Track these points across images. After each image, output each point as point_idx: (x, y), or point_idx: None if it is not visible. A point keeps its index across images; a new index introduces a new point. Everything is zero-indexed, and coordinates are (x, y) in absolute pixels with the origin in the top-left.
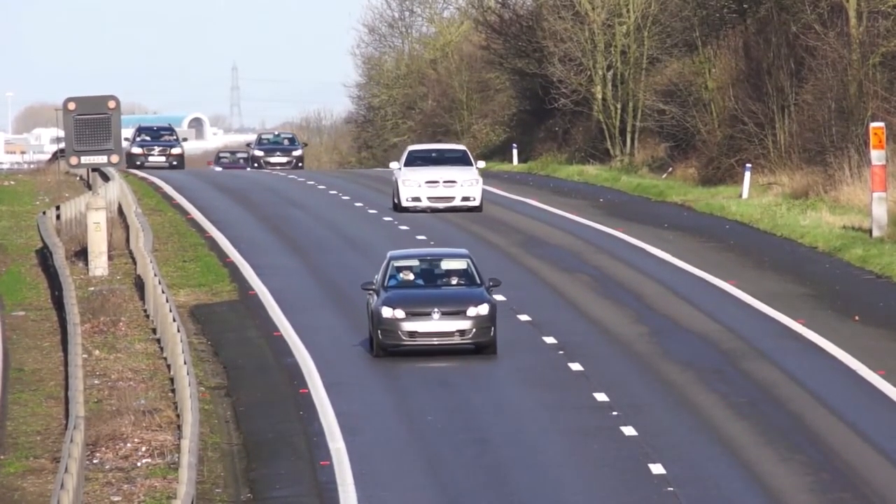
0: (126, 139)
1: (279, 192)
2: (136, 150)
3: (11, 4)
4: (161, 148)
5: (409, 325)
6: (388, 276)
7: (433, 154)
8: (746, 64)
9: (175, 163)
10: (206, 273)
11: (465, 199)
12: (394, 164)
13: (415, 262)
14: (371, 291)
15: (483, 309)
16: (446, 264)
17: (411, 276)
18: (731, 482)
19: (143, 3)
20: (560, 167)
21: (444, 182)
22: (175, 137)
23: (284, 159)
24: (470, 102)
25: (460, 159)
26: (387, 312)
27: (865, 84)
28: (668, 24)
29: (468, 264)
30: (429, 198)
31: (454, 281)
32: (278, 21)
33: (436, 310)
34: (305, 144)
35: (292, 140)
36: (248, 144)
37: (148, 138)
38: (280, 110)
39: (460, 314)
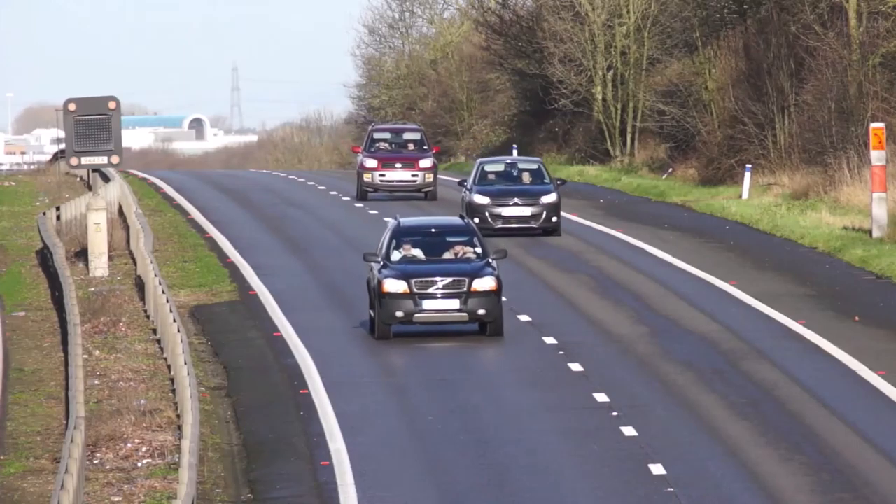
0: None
1: (279, 192)
2: (370, 162)
3: (11, 5)
4: (406, 161)
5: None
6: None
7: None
8: (746, 64)
9: (428, 191)
10: (206, 273)
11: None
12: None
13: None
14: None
15: None
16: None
17: None
18: (731, 482)
19: (144, 3)
20: (560, 168)
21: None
22: (426, 145)
23: (528, 211)
24: (470, 103)
25: None
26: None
27: (865, 85)
28: (668, 25)
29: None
30: None
31: None
32: (278, 21)
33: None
34: (562, 182)
35: (537, 173)
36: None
37: (386, 145)
38: (280, 111)
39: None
